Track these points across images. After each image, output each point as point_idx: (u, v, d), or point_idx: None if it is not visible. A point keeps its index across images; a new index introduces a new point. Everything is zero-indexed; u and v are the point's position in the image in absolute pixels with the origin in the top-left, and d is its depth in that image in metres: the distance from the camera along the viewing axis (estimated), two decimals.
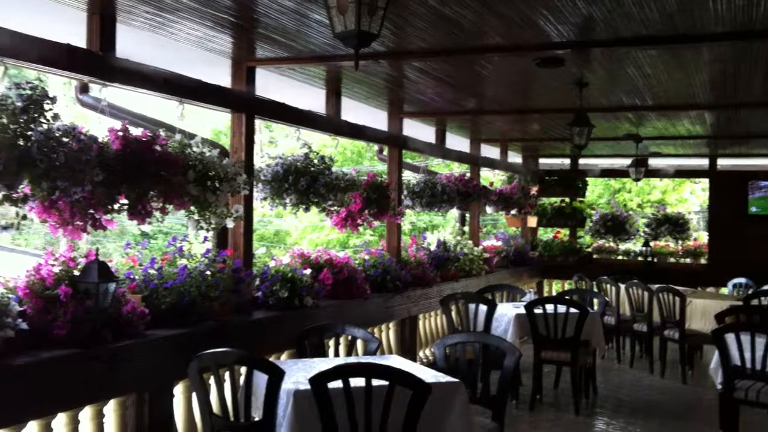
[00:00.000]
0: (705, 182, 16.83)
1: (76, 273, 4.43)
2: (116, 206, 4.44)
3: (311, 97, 7.33)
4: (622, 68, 6.51)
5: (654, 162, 13.71)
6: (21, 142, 3.82)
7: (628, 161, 12.25)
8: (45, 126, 3.94)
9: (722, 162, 13.52)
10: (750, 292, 10.36)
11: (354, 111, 7.89)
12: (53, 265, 4.43)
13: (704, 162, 13.45)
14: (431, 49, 5.78)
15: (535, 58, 6.08)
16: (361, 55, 3.57)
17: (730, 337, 6.24)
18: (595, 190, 24.84)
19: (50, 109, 3.99)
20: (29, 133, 3.86)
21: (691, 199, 25.26)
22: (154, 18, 4.88)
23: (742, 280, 11.28)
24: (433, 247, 9.86)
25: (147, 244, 5.82)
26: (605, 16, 4.79)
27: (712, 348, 6.77)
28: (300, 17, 4.87)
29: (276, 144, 20.42)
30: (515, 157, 13.73)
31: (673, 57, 6.12)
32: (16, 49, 4.11)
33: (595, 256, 14.13)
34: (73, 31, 4.66)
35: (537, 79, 7.13)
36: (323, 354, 5.79)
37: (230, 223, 5.42)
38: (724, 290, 11.87)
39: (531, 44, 5.64)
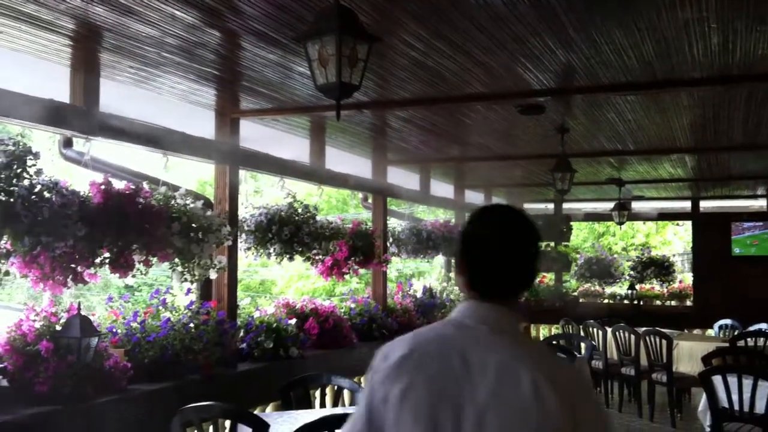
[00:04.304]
0: (688, 224, 16.93)
1: (58, 328, 4.38)
2: (98, 260, 4.41)
3: (296, 147, 7.35)
4: (602, 114, 6.57)
5: (637, 205, 13.79)
6: (3, 198, 3.81)
7: (611, 205, 12.30)
8: (28, 181, 3.94)
9: (705, 204, 13.61)
10: (736, 333, 10.34)
11: (338, 159, 7.91)
12: (34, 321, 4.37)
13: (687, 204, 13.54)
14: (414, 99, 5.82)
15: (516, 105, 6.14)
16: (344, 106, 3.60)
17: (717, 379, 6.23)
18: (580, 234, 24.91)
19: (33, 165, 4.00)
20: (12, 188, 3.85)
21: (675, 240, 25.39)
22: (138, 73, 4.91)
23: (728, 321, 11.25)
24: (419, 294, 9.83)
25: (130, 297, 5.78)
26: (584, 63, 4.85)
27: (700, 390, 6.72)
28: (284, 70, 4.92)
29: (262, 194, 20.40)
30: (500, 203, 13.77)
31: (652, 102, 6.18)
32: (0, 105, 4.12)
33: (581, 300, 14.12)
34: (57, 87, 4.67)
35: (519, 126, 7.18)
36: (309, 405, 5.71)
37: (213, 275, 5.40)
38: (711, 332, 11.85)
39: (512, 92, 5.70)
